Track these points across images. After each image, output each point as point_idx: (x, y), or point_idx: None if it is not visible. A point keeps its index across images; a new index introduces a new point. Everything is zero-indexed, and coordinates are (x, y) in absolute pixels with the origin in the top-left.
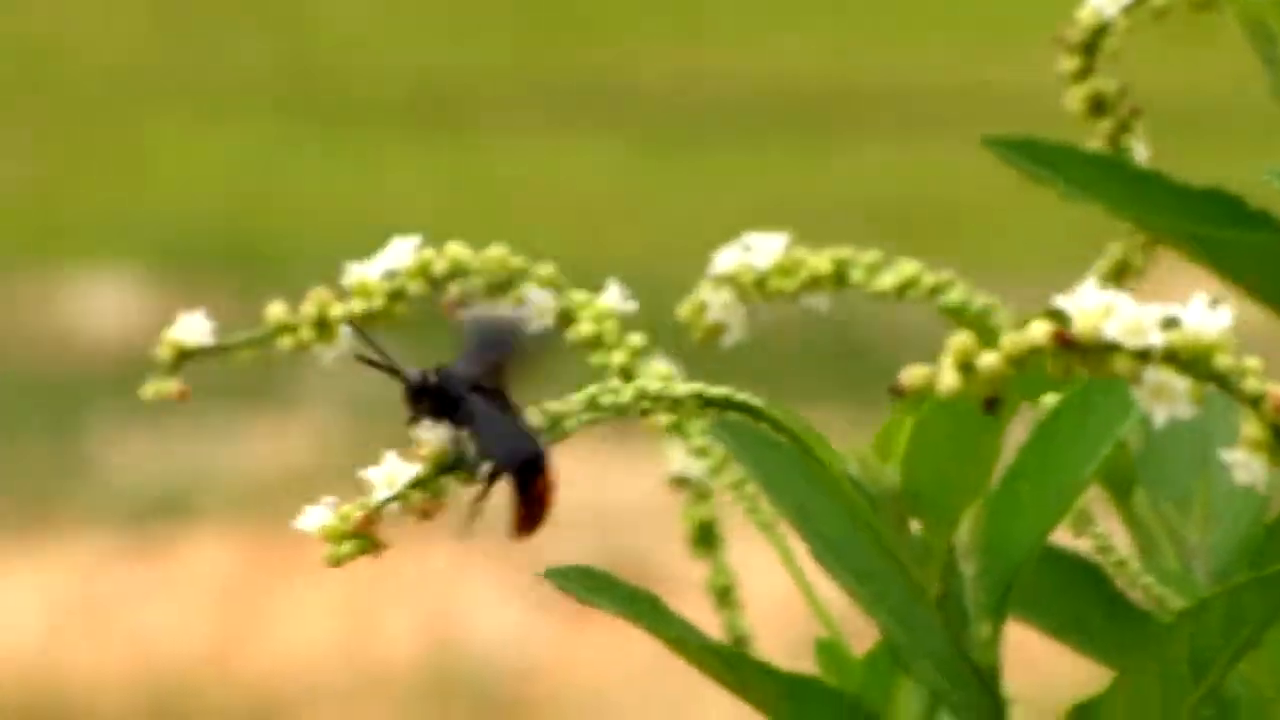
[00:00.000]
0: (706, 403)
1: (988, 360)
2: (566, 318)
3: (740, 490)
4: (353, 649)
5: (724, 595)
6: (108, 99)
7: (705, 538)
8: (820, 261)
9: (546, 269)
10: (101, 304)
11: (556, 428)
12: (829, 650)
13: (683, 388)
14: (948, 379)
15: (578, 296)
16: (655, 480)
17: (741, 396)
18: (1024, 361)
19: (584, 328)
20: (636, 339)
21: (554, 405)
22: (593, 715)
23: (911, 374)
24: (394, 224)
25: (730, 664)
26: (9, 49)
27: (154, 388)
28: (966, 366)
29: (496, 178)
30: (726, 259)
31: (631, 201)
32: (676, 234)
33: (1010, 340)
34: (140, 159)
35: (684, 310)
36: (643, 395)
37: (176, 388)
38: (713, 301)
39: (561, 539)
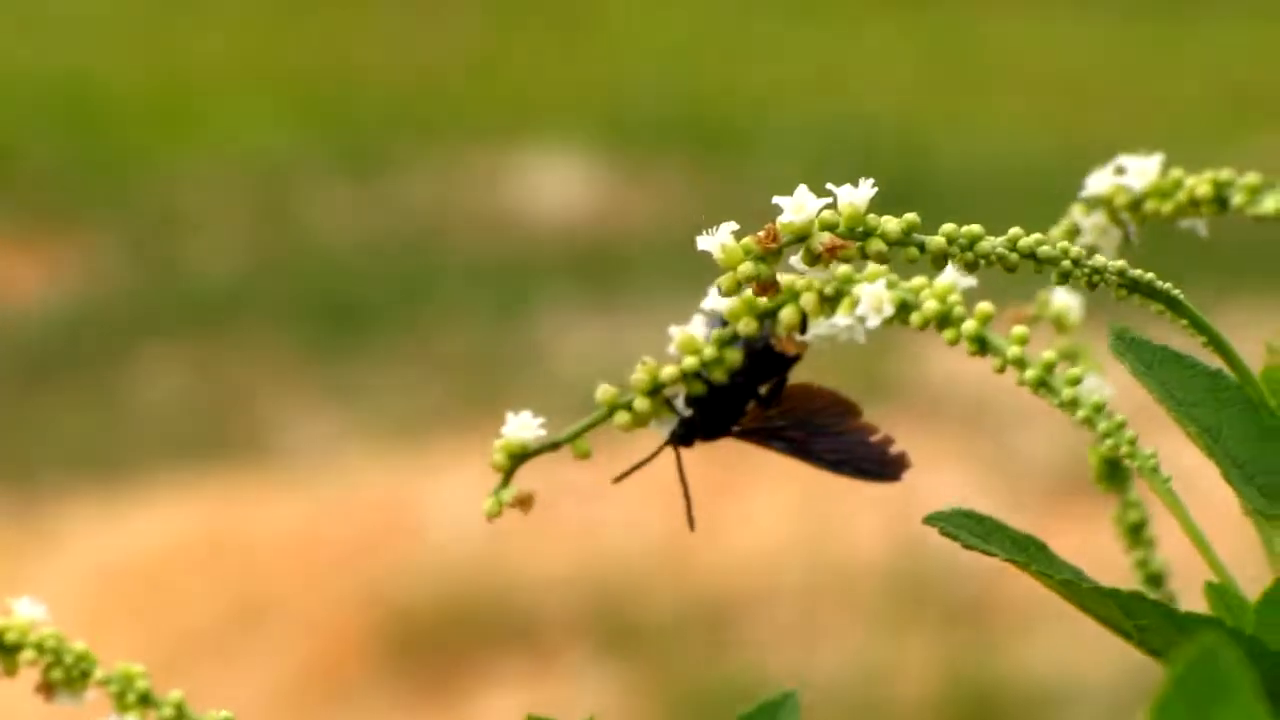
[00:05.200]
0: (1130, 286)
1: None
2: (906, 308)
3: (1119, 435)
4: (812, 549)
5: (1136, 532)
6: None
7: (1113, 473)
8: (1199, 183)
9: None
10: (550, 183)
11: (944, 320)
12: (1220, 594)
13: (1109, 263)
14: None
15: (917, 281)
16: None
17: (1164, 285)
18: None
19: (929, 306)
20: (986, 306)
21: (941, 285)
22: (1063, 618)
23: None
24: (861, 102)
25: (1126, 608)
26: None
27: (492, 501)
28: None
29: (971, 50)
30: (1099, 181)
31: (1111, 75)
32: (1160, 110)
33: None
34: (594, 30)
35: (1056, 234)
36: (1066, 266)
37: (518, 495)
38: (1084, 225)
39: (1035, 430)
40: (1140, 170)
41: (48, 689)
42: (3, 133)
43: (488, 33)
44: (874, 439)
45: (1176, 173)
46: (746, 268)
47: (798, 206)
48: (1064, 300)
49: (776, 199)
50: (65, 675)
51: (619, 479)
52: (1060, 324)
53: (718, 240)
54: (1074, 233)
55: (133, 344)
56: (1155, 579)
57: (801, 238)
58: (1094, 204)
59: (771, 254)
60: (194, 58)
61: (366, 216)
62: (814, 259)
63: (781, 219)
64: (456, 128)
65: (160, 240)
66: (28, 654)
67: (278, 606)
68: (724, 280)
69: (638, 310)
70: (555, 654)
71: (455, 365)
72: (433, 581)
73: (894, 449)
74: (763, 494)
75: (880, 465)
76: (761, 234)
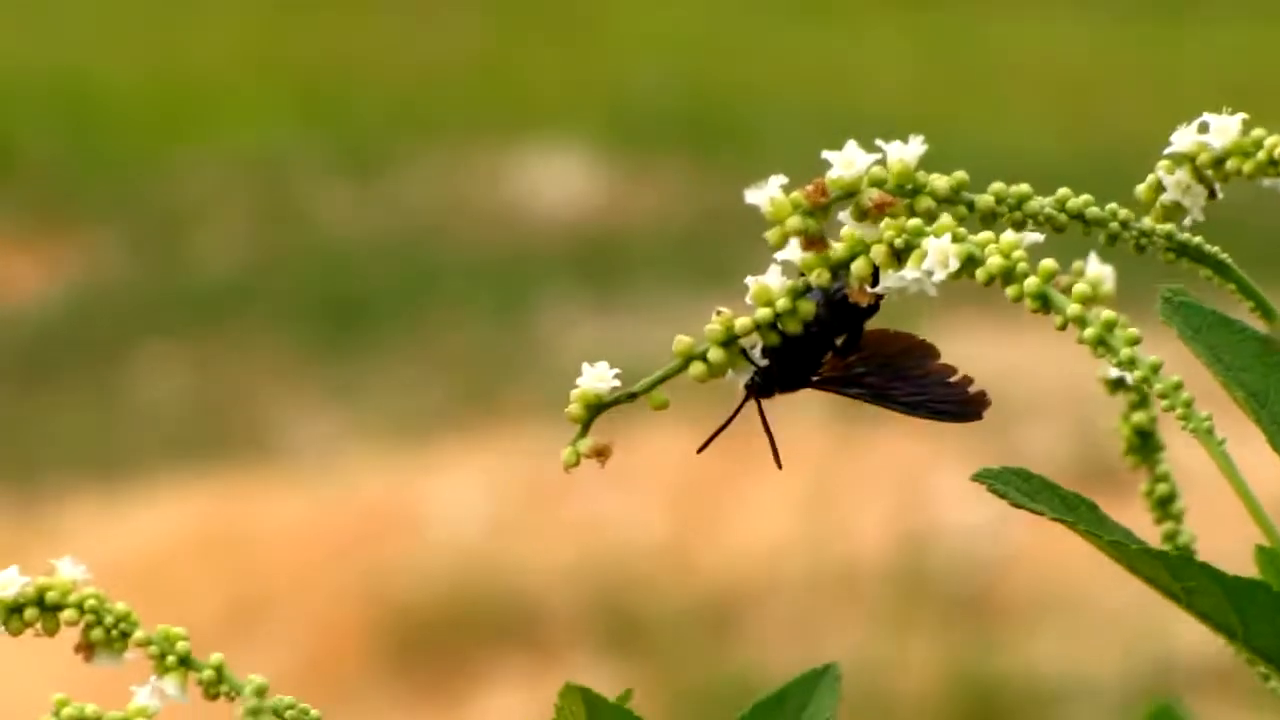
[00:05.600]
0: (1179, 249)
1: None
2: (972, 262)
3: (1175, 396)
4: (815, 546)
5: (1165, 505)
6: None
7: (1143, 445)
8: (1279, 143)
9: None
10: (552, 180)
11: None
12: (1270, 558)
13: (1157, 226)
14: None
15: (984, 235)
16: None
17: (1211, 249)
18: None
19: (993, 262)
20: (1050, 262)
21: (1006, 241)
22: (1065, 614)
23: None
24: (862, 98)
25: (1175, 570)
26: None
27: (570, 451)
28: None
29: (972, 50)
30: (1182, 138)
31: (1112, 75)
32: (1160, 110)
33: None
34: (596, 27)
35: (1141, 190)
36: (1114, 228)
37: (595, 446)
38: (1168, 181)
39: (1041, 427)
40: (1221, 128)
41: (88, 649)
42: (3, 131)
43: (488, 30)
44: (953, 380)
45: (1258, 131)
46: (794, 222)
47: (847, 162)
48: (1098, 270)
49: (826, 154)
50: (105, 635)
51: (702, 448)
52: (1094, 293)
53: (766, 193)
54: (1158, 188)
55: (133, 342)
56: (1183, 551)
57: (850, 193)
58: (1179, 161)
59: (820, 209)
60: (195, 55)
61: (368, 214)
62: (862, 215)
63: (830, 174)
64: (458, 125)
65: (161, 238)
66: (69, 614)
67: (278, 605)
68: (771, 234)
69: (639, 307)
70: (557, 652)
71: (456, 363)
72: (433, 580)
73: (973, 388)
74: (765, 490)
75: (960, 405)
76: (810, 188)
